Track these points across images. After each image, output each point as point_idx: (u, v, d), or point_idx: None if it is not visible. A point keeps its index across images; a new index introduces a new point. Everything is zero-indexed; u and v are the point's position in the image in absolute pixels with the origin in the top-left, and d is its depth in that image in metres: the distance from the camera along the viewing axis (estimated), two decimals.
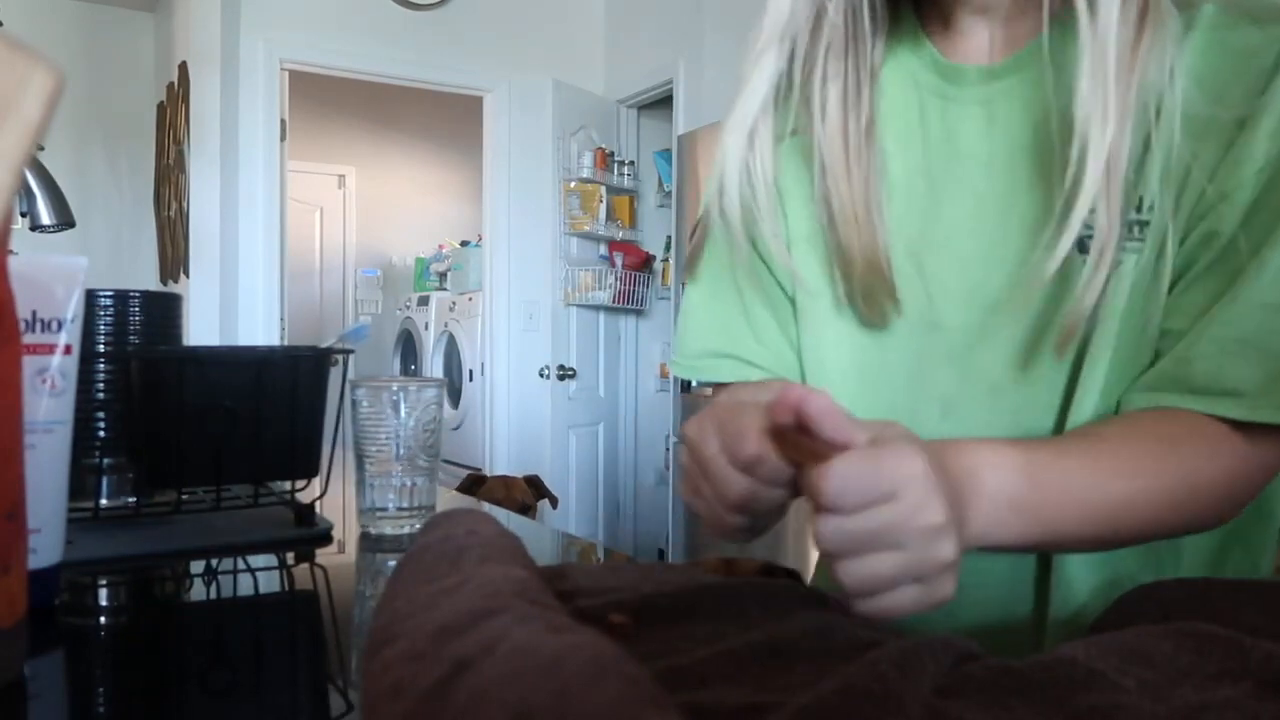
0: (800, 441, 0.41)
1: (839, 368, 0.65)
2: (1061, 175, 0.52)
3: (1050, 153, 0.55)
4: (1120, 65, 0.49)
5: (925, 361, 0.61)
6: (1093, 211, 0.51)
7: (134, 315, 0.84)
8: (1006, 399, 0.58)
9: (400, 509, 0.77)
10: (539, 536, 0.86)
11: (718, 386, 0.71)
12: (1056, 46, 0.54)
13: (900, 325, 0.62)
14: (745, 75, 0.61)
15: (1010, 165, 0.57)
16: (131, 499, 0.80)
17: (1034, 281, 0.54)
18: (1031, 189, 0.57)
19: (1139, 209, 0.53)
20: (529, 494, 2.66)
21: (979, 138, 0.59)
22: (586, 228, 3.93)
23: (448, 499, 0.97)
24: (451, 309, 4.67)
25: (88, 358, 0.79)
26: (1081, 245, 0.54)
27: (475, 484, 2.65)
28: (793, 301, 0.68)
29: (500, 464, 3.90)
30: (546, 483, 2.80)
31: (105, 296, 0.83)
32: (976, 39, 0.59)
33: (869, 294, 0.61)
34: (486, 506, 0.97)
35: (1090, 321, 0.54)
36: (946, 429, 0.60)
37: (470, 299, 4.46)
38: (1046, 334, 0.56)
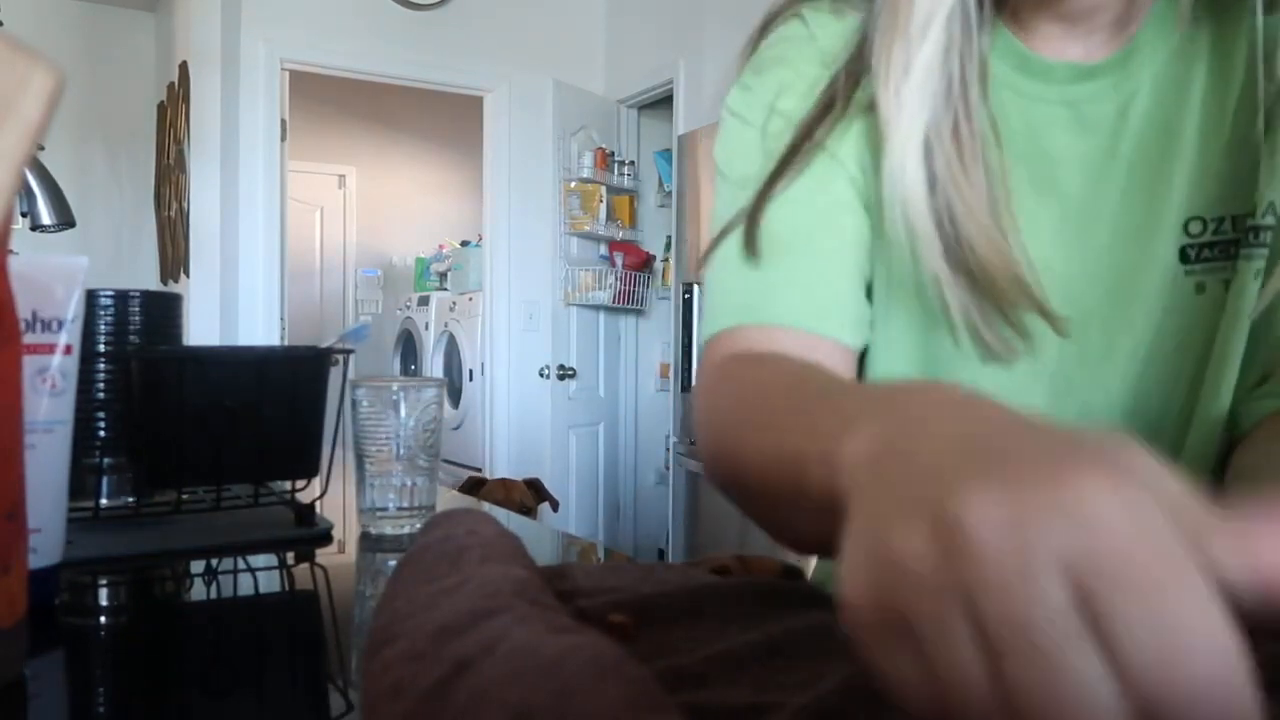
0: None
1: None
2: (1161, 182, 0.51)
3: (1155, 159, 0.54)
4: None
5: (1011, 382, 0.57)
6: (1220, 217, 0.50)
7: (134, 315, 0.84)
8: (1100, 420, 0.57)
9: (400, 509, 0.77)
10: (539, 536, 0.86)
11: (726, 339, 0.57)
12: (1148, 52, 0.54)
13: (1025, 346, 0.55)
14: (907, 45, 0.50)
15: (1100, 170, 0.55)
16: (131, 499, 0.80)
17: (1251, 310, 0.52)
18: (1127, 197, 0.55)
19: (1253, 214, 0.52)
20: (529, 496, 2.66)
21: (1068, 139, 0.56)
22: (587, 228, 3.93)
23: (448, 499, 0.97)
24: (452, 309, 4.67)
25: (88, 358, 0.79)
26: (1184, 255, 0.53)
27: (475, 486, 2.65)
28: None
29: (500, 464, 3.90)
30: (547, 483, 2.80)
31: (105, 296, 0.83)
32: (1055, 44, 0.56)
33: (1008, 314, 0.52)
34: (486, 507, 0.97)
35: (1221, 332, 0.53)
36: None
37: (470, 299, 4.46)
38: (1165, 354, 0.55)
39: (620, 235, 4.05)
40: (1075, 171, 0.56)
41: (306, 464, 0.82)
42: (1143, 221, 0.54)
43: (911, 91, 0.51)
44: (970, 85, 0.52)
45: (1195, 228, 0.54)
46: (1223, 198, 0.53)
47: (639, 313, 4.21)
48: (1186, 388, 0.55)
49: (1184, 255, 0.53)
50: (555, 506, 2.80)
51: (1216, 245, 0.53)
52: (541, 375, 3.90)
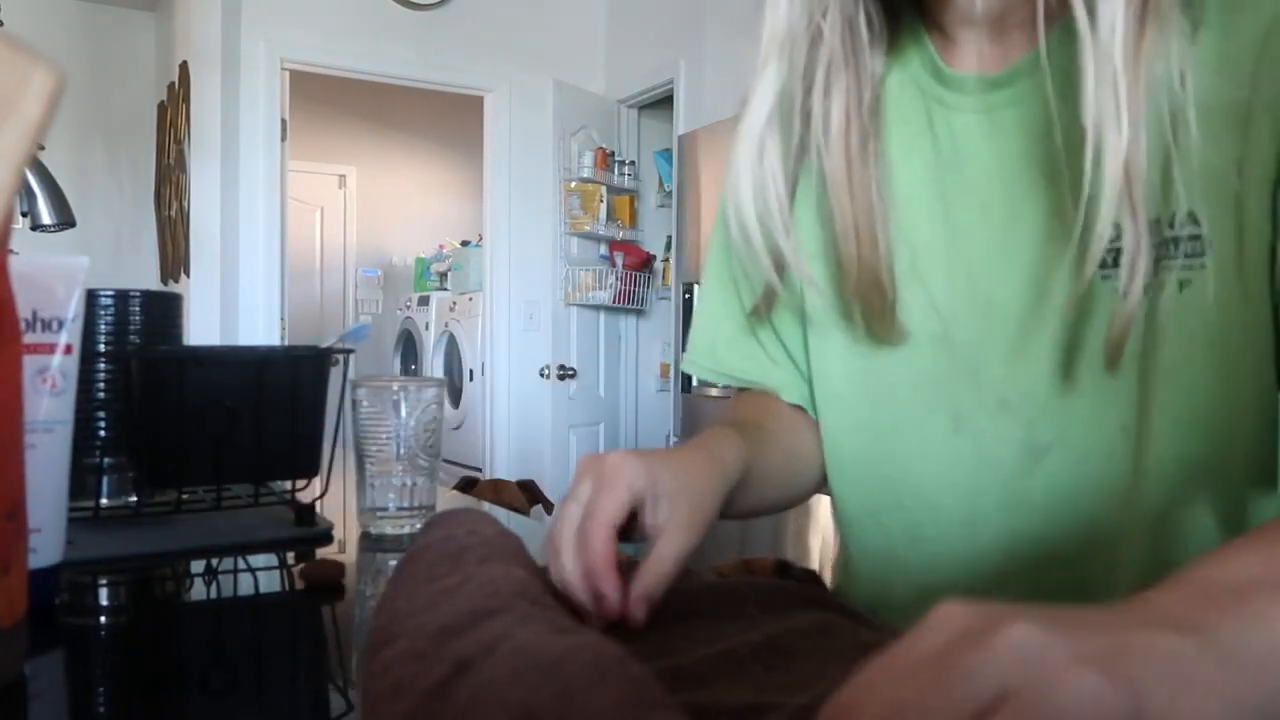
0: None
1: (843, 380, 0.65)
2: (1072, 185, 0.50)
3: (1056, 161, 0.53)
4: (1127, 66, 0.47)
5: (935, 375, 0.60)
6: (1118, 224, 0.48)
7: (134, 315, 0.84)
8: (1019, 415, 0.56)
9: (400, 509, 0.77)
10: (539, 537, 0.86)
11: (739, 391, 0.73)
12: (1054, 56, 0.53)
13: (908, 339, 0.60)
14: (750, 88, 0.59)
15: (1017, 174, 0.56)
16: (132, 499, 0.80)
17: (1067, 300, 0.52)
18: (1038, 199, 0.55)
19: (1172, 224, 0.50)
20: (520, 499, 2.64)
21: (983, 146, 0.58)
22: (587, 227, 3.93)
23: (448, 499, 0.97)
24: (452, 309, 4.67)
25: (88, 357, 0.79)
26: (1102, 261, 0.52)
27: (467, 487, 2.63)
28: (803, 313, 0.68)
29: (501, 464, 3.90)
30: (548, 484, 2.79)
31: (106, 296, 0.83)
32: (973, 48, 0.58)
33: (869, 310, 0.60)
34: (486, 507, 0.97)
35: (1145, 341, 0.51)
36: (958, 444, 0.59)
37: (470, 299, 4.46)
38: (1078, 353, 0.54)
39: (620, 235, 4.04)
40: (994, 177, 0.57)
41: (306, 464, 0.82)
42: (1052, 221, 0.54)
43: (751, 112, 0.59)
44: (864, 103, 0.59)
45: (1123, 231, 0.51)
46: None
47: (639, 313, 4.21)
48: (1134, 394, 0.53)
49: (1103, 261, 0.51)
50: (550, 509, 2.78)
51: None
52: (542, 375, 3.90)
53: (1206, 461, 0.53)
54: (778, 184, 0.60)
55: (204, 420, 0.76)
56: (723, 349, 0.72)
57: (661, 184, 4.18)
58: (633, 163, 4.11)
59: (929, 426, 0.60)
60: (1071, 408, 0.55)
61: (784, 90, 0.59)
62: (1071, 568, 0.56)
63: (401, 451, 0.76)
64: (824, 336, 0.66)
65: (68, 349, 0.56)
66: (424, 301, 5.06)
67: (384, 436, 0.76)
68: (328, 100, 5.66)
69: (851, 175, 0.58)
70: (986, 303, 0.57)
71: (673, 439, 3.14)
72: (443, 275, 5.46)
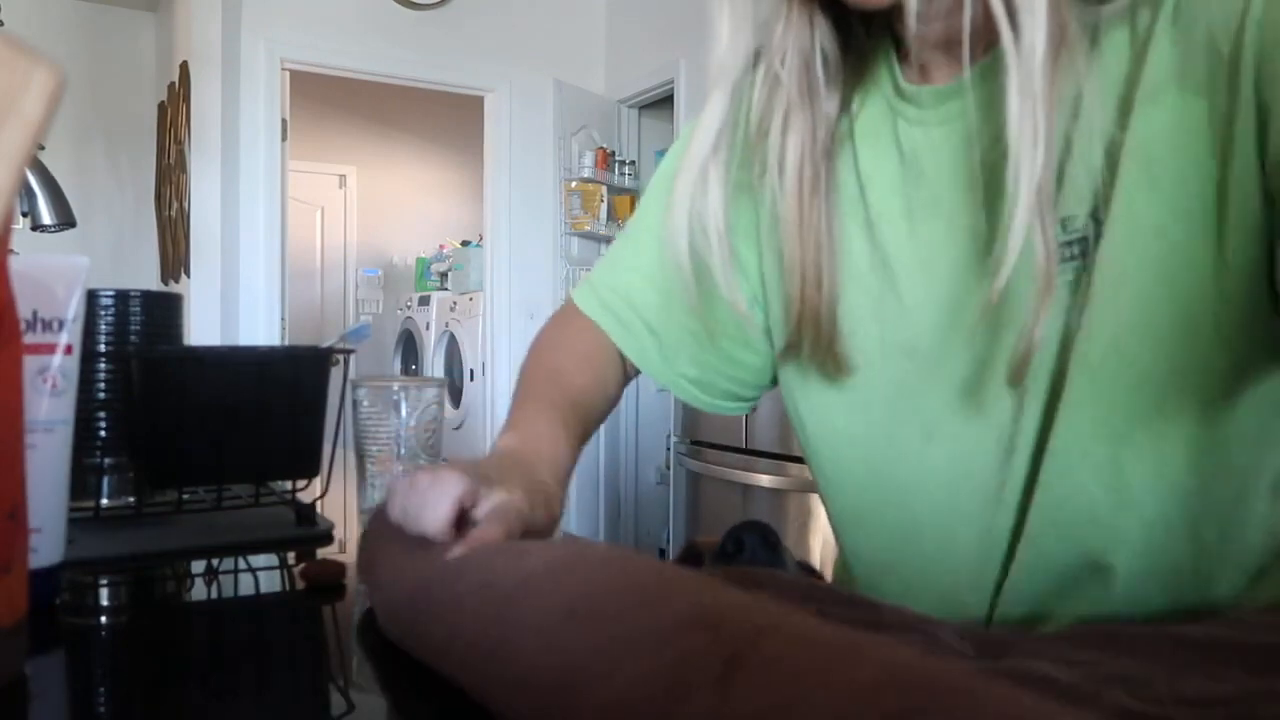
0: None
1: (818, 393, 0.65)
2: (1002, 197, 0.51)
3: (999, 170, 0.53)
4: (1044, 88, 0.47)
5: (904, 386, 0.60)
6: (1029, 236, 0.48)
7: (135, 315, 0.84)
8: (991, 419, 0.56)
9: None
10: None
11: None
12: (991, 72, 0.53)
13: (878, 353, 0.61)
14: (699, 119, 0.59)
15: (970, 183, 0.56)
16: (132, 499, 0.80)
17: (979, 306, 0.53)
18: (989, 207, 0.55)
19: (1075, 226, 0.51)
20: None
21: (941, 157, 0.58)
22: (588, 227, 3.93)
23: None
24: (452, 309, 4.67)
25: (89, 357, 0.79)
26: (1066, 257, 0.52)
27: None
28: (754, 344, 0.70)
29: None
30: None
31: (106, 296, 0.83)
32: (930, 64, 0.59)
33: (818, 346, 0.61)
34: None
35: (1063, 345, 0.52)
36: (932, 453, 0.59)
37: (471, 299, 4.46)
38: (996, 361, 0.55)
39: None
40: (953, 185, 0.57)
41: (307, 464, 0.82)
42: (995, 230, 0.54)
43: (696, 141, 0.59)
44: (819, 143, 0.59)
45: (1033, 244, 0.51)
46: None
47: None
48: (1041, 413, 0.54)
49: None
50: None
51: None
52: None
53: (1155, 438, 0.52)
54: (717, 216, 0.60)
55: (204, 420, 0.76)
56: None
57: None
58: (633, 162, 4.11)
59: (901, 437, 0.60)
60: (1023, 415, 0.55)
61: (726, 124, 0.59)
62: (1049, 561, 0.56)
63: (402, 451, 0.76)
64: (783, 363, 0.67)
65: (68, 349, 0.56)
66: (424, 301, 5.06)
67: (384, 436, 0.76)
68: (328, 100, 5.67)
69: (803, 217, 0.59)
70: (955, 310, 0.58)
71: (673, 438, 3.14)
72: (443, 275, 5.46)
